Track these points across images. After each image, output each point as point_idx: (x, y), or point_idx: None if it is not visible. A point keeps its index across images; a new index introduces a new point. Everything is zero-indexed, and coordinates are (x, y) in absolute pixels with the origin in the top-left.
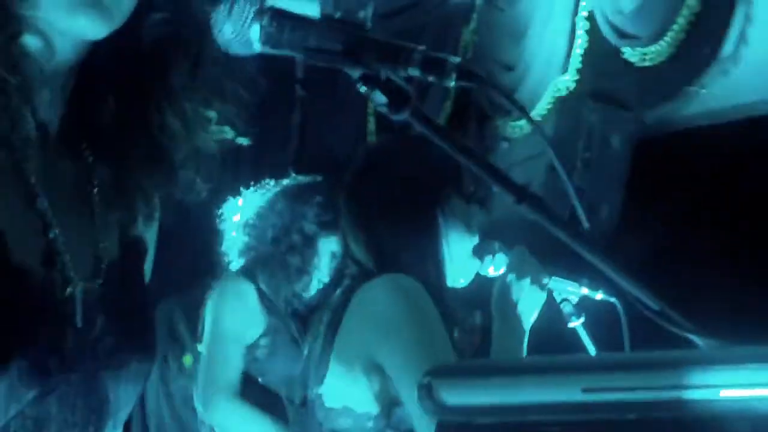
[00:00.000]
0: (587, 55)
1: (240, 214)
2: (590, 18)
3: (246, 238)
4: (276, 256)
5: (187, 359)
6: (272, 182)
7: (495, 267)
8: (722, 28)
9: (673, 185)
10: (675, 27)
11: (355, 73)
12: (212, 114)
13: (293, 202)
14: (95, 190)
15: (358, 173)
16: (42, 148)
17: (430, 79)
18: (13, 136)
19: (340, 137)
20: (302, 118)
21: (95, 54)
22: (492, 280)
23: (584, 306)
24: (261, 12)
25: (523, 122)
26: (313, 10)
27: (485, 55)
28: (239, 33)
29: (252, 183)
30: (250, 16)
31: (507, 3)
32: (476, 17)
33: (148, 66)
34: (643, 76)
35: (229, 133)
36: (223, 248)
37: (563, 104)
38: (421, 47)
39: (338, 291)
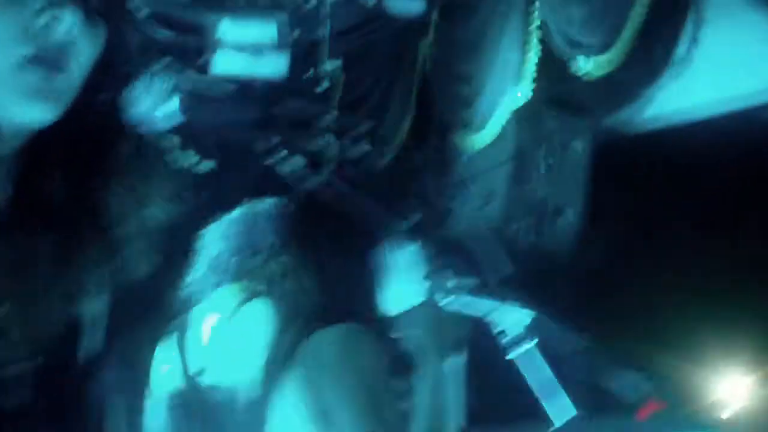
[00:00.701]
0: (541, 65)
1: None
2: (543, 28)
3: (226, 261)
4: None
5: None
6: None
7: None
8: (674, 30)
9: (633, 187)
10: (625, 35)
11: (273, 140)
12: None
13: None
14: (41, 266)
15: (299, 211)
16: None
17: (341, 143)
18: None
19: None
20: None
21: (41, 136)
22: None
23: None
24: (178, 87)
25: (482, 134)
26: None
27: (443, 68)
28: (158, 107)
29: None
30: (170, 90)
31: (463, 15)
32: (433, 30)
33: (95, 145)
34: (598, 82)
35: (192, 158)
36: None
37: (523, 113)
38: (332, 113)
39: (285, 338)
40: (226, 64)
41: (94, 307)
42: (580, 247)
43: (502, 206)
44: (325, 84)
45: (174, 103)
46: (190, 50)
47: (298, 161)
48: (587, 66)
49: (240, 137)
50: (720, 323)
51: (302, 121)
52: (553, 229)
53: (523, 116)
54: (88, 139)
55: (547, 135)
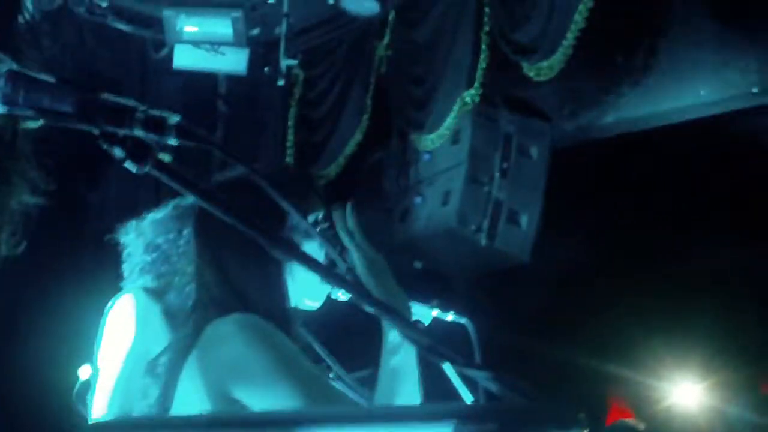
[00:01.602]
0: (494, 68)
1: (137, 234)
2: (491, 33)
3: (148, 257)
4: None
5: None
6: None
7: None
8: (627, 39)
9: (592, 193)
10: (564, 43)
11: (94, 131)
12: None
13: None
14: None
15: (203, 209)
16: None
17: (152, 137)
18: None
19: (262, 151)
20: (225, 132)
21: None
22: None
23: (435, 326)
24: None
25: (434, 135)
26: (226, 28)
27: (398, 69)
28: None
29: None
30: None
31: (417, 18)
32: (389, 32)
33: None
34: (559, 86)
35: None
36: (123, 267)
37: (479, 116)
38: (143, 108)
39: (183, 332)
40: (185, 58)
41: None
42: (534, 252)
43: (458, 207)
44: (282, 81)
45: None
46: (149, 43)
47: (118, 152)
48: (533, 71)
49: (63, 126)
50: (673, 332)
51: (114, 113)
52: (508, 233)
53: (480, 119)
54: None
55: (503, 138)
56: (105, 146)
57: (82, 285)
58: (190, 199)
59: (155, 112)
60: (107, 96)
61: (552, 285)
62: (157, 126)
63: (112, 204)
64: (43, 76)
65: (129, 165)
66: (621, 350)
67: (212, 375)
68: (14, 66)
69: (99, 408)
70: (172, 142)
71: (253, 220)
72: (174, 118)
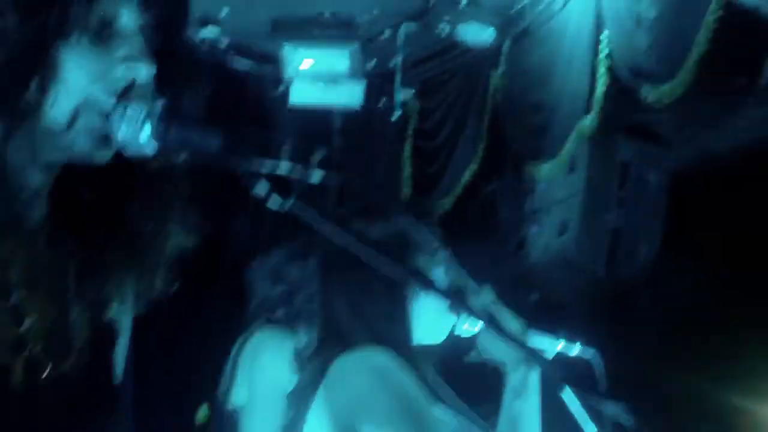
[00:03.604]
0: (611, 94)
1: (264, 268)
2: (610, 58)
3: (276, 291)
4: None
5: (203, 413)
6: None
7: (470, 324)
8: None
9: (715, 218)
10: (688, 63)
11: (240, 168)
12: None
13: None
14: (71, 276)
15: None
16: (27, 241)
17: (296, 172)
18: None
19: (377, 183)
20: (341, 166)
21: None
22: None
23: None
24: (151, 113)
25: (550, 164)
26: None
27: (514, 97)
28: (133, 133)
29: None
30: (142, 117)
31: (533, 46)
32: (503, 61)
33: (122, 168)
34: (672, 111)
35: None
36: (251, 303)
37: (596, 144)
38: (288, 144)
39: (312, 366)
40: (303, 93)
41: (120, 319)
42: (654, 281)
43: (576, 236)
44: (399, 113)
45: (147, 130)
46: (268, 79)
47: (263, 186)
48: (653, 95)
49: (210, 162)
50: None
51: (261, 147)
52: (627, 261)
53: (596, 147)
54: (116, 163)
55: (620, 166)
56: (249, 183)
57: (216, 323)
58: (315, 233)
59: (300, 148)
60: (253, 132)
61: (674, 313)
62: (304, 159)
63: (240, 240)
64: (193, 116)
65: (272, 202)
66: (744, 378)
67: (339, 409)
68: (166, 105)
69: None
70: (316, 177)
71: (385, 251)
72: (318, 154)
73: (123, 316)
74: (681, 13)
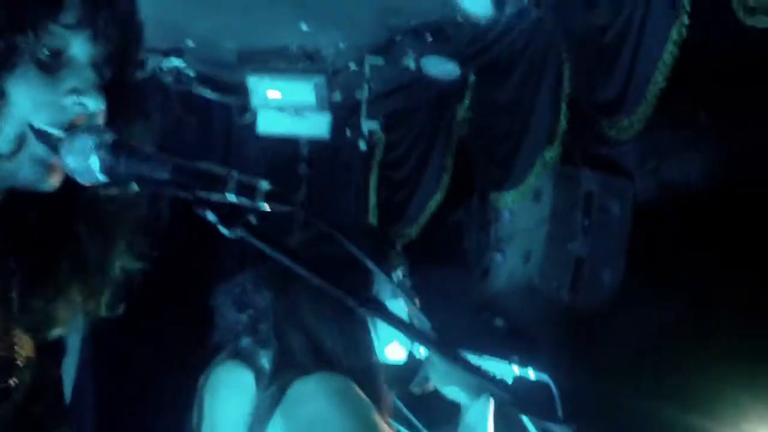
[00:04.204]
0: (571, 125)
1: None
2: (572, 92)
3: (243, 317)
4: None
5: None
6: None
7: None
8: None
9: (676, 247)
10: (645, 101)
11: (189, 197)
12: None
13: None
14: (15, 295)
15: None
16: None
17: (243, 201)
18: None
19: (343, 212)
20: (307, 194)
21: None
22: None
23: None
24: (99, 145)
25: (514, 194)
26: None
27: (479, 129)
28: (81, 164)
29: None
30: (90, 148)
31: (497, 80)
32: (469, 94)
33: (73, 190)
34: (641, 142)
35: None
36: (216, 332)
37: (560, 174)
38: (235, 174)
39: (268, 393)
40: (270, 122)
41: (65, 343)
42: (617, 309)
43: (540, 265)
44: (364, 144)
45: (95, 161)
46: (234, 109)
47: (211, 215)
48: (614, 129)
49: (159, 192)
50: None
51: (208, 180)
52: (590, 289)
53: (560, 177)
54: (64, 186)
55: (584, 196)
56: (199, 211)
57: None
58: (272, 260)
59: (246, 179)
60: (201, 164)
61: (636, 339)
62: (249, 191)
63: (205, 267)
64: (142, 146)
65: (222, 229)
66: (707, 405)
67: None
68: (115, 137)
69: None
70: (263, 207)
71: (339, 279)
72: (265, 185)
73: (70, 336)
74: (641, 50)
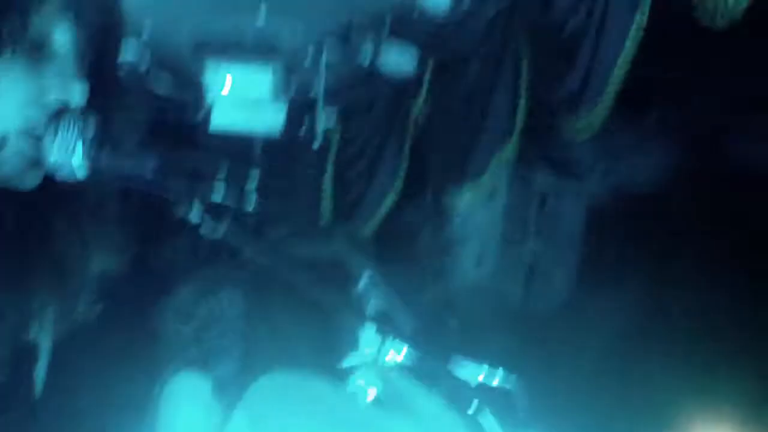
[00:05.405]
0: (531, 124)
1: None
2: (530, 88)
3: (188, 328)
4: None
5: None
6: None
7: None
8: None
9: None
10: (601, 102)
11: (171, 194)
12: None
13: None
14: None
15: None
16: None
17: (228, 201)
18: None
19: (296, 208)
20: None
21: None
22: None
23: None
24: (84, 137)
25: (469, 193)
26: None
27: (434, 127)
28: (63, 159)
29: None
30: (74, 141)
31: (453, 77)
32: (425, 91)
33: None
34: (595, 144)
35: None
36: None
37: (514, 174)
38: (221, 173)
39: (231, 392)
40: (224, 118)
41: (40, 344)
42: (570, 310)
43: (493, 266)
44: (320, 138)
45: (78, 157)
46: (188, 104)
47: (197, 211)
48: (571, 129)
49: (144, 187)
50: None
51: (196, 171)
52: (542, 290)
53: (515, 177)
54: (42, 184)
55: (538, 197)
56: (181, 210)
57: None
58: (226, 264)
59: (232, 179)
60: (186, 160)
61: (588, 340)
62: (236, 189)
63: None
64: (125, 139)
65: (205, 227)
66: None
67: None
68: (97, 130)
69: None
70: (249, 207)
71: (312, 275)
72: (251, 185)
73: (44, 336)
74: (599, 50)
